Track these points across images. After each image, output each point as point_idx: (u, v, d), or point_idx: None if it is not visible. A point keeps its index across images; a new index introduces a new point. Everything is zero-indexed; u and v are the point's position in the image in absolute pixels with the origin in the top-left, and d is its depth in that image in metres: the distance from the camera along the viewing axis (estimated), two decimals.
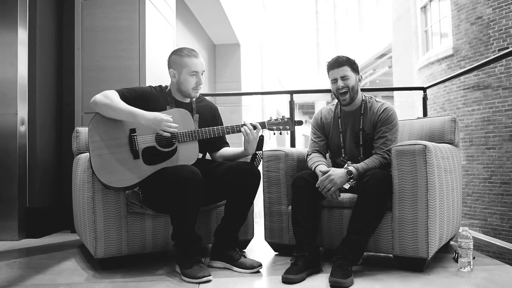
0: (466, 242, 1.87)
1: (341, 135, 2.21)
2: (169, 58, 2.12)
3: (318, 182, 2.00)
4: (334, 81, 2.13)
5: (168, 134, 1.91)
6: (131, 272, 1.96)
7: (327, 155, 2.33)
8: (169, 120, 1.90)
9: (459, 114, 6.69)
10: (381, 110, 2.12)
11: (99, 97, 1.92)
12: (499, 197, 5.96)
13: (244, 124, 2.02)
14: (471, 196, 6.42)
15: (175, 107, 2.07)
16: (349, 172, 1.97)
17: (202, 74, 2.09)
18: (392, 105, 2.16)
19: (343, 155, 2.20)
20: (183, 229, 1.88)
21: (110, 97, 1.91)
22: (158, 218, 2.09)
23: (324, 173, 2.01)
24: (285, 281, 1.78)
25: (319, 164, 2.10)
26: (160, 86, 2.15)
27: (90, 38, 3.01)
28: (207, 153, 2.26)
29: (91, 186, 1.95)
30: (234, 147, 2.25)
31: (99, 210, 1.95)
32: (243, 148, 2.08)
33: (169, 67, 2.10)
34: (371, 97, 2.21)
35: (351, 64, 2.13)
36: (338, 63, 2.12)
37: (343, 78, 2.11)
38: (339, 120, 2.22)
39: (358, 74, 2.16)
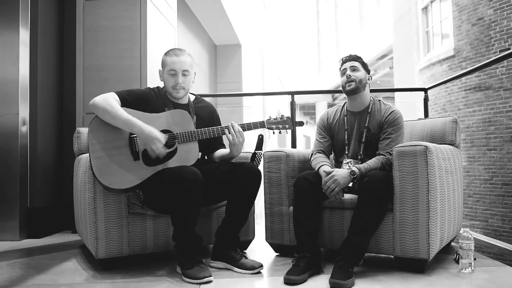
0: (467, 243, 1.86)
1: (346, 132, 2.21)
2: None
3: (322, 183, 2.01)
4: (344, 71, 2.20)
5: (153, 155, 1.88)
6: (132, 272, 1.96)
7: (331, 156, 2.33)
8: (161, 141, 1.87)
9: (460, 115, 6.68)
10: (389, 112, 2.14)
11: (98, 100, 1.90)
12: (500, 198, 5.95)
13: (230, 126, 1.99)
14: (472, 197, 6.41)
15: (173, 108, 2.06)
16: (352, 173, 1.97)
17: (183, 74, 2.03)
18: (398, 109, 2.18)
19: (346, 152, 2.20)
20: (184, 229, 1.88)
21: (110, 103, 1.89)
22: (159, 219, 2.09)
23: (327, 173, 2.01)
24: (287, 282, 1.77)
25: (323, 165, 2.10)
26: (158, 87, 2.14)
27: (91, 38, 3.01)
28: (205, 155, 2.25)
29: (92, 187, 1.95)
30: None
31: (100, 211, 1.96)
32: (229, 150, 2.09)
33: None
34: (379, 99, 2.23)
35: (363, 63, 2.22)
36: (351, 57, 2.23)
37: (353, 68, 2.17)
38: (345, 118, 2.24)
39: (368, 73, 2.23)
